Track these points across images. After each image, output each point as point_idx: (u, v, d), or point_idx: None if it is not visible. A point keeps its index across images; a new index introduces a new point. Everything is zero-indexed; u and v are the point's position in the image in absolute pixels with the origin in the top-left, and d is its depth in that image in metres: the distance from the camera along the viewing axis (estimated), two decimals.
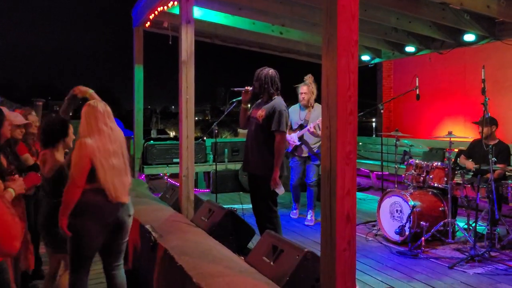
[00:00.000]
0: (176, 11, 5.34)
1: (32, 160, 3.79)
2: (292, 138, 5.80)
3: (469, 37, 6.36)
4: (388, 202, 5.03)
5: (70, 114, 3.58)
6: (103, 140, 2.88)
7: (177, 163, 6.74)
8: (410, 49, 7.42)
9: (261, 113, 4.06)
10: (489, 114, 4.48)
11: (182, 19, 4.67)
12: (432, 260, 4.32)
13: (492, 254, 4.32)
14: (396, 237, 4.77)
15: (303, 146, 5.81)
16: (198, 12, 5.94)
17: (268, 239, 3.25)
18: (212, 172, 7.88)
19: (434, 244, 4.74)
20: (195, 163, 5.16)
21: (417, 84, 5.65)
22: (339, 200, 2.19)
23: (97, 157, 2.82)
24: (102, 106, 2.99)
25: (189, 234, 3.68)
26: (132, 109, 7.52)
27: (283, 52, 8.61)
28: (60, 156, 3.21)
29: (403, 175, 5.36)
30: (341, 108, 2.18)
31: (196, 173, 8.04)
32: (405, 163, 5.41)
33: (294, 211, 6.17)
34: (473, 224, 4.53)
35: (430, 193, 5.02)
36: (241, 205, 6.26)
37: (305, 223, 5.76)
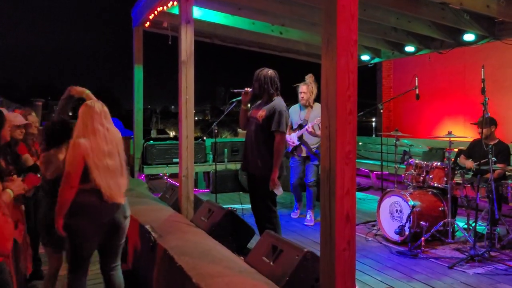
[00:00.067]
0: (176, 11, 5.34)
1: (32, 161, 3.79)
2: (292, 138, 5.80)
3: (468, 37, 6.37)
4: (388, 202, 5.03)
5: (70, 114, 3.58)
6: (98, 140, 2.87)
7: (176, 163, 6.74)
8: (409, 48, 7.43)
9: (261, 113, 4.06)
10: (489, 114, 4.48)
11: (181, 19, 4.67)
12: (432, 260, 4.32)
13: (492, 254, 4.32)
14: (396, 237, 4.76)
15: (302, 146, 5.81)
16: (197, 12, 5.94)
17: (267, 239, 3.25)
18: (212, 172, 7.87)
19: (434, 244, 4.74)
20: (194, 163, 5.16)
21: (416, 84, 5.65)
22: (339, 200, 2.19)
23: (90, 157, 2.81)
24: (99, 106, 2.98)
25: (189, 234, 3.68)
26: (132, 109, 7.53)
27: (282, 52, 8.61)
28: (63, 157, 3.21)
29: (403, 175, 5.36)
30: (341, 108, 2.18)
31: (196, 173, 8.04)
32: (405, 163, 5.41)
33: (295, 211, 6.17)
34: (473, 224, 4.53)
35: (430, 193, 5.02)
36: (240, 205, 6.25)
37: (305, 223, 5.76)
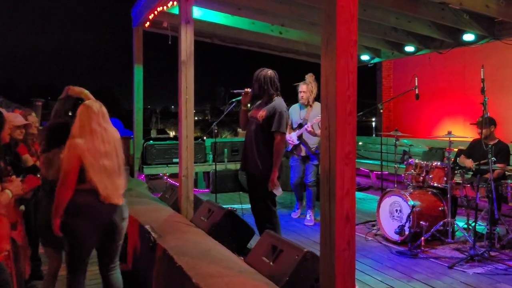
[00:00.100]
0: (176, 11, 5.34)
1: (32, 161, 3.79)
2: (291, 137, 5.80)
3: (468, 37, 6.37)
4: (387, 201, 5.03)
5: (70, 114, 3.57)
6: (95, 140, 2.85)
7: (176, 163, 6.74)
8: (409, 48, 7.43)
9: (261, 113, 4.06)
10: (488, 113, 4.48)
11: (181, 19, 4.67)
12: (432, 260, 4.32)
13: (492, 253, 4.32)
14: (396, 237, 4.77)
15: (302, 145, 5.81)
16: (197, 12, 5.94)
17: (267, 239, 3.25)
18: (212, 172, 7.87)
19: (433, 244, 4.74)
20: (194, 163, 5.15)
21: (416, 84, 5.65)
22: (339, 200, 2.19)
23: (87, 157, 2.80)
24: (97, 106, 2.97)
25: (189, 234, 3.68)
26: (131, 109, 7.53)
27: (282, 52, 8.61)
28: None
29: (402, 175, 5.36)
30: (340, 108, 2.18)
31: (196, 173, 8.04)
32: (405, 162, 5.41)
33: (296, 211, 6.15)
34: (473, 224, 4.53)
35: (429, 192, 5.02)
36: (240, 205, 6.25)
37: (305, 223, 5.76)
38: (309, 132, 5.67)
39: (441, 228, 4.76)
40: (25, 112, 4.10)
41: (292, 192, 6.59)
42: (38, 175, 3.25)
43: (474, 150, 5.12)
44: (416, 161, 5.24)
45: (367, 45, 7.84)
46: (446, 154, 4.91)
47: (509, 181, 4.53)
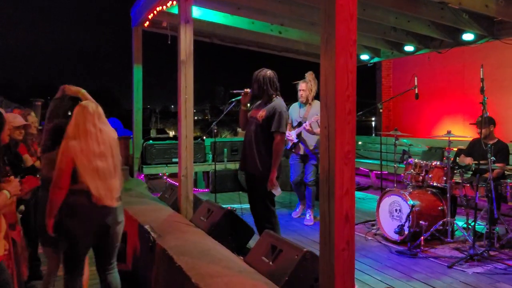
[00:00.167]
0: (175, 10, 5.34)
1: (31, 161, 3.79)
2: (291, 134, 5.80)
3: (467, 36, 6.38)
4: (387, 201, 5.03)
5: (69, 114, 3.56)
6: (89, 141, 2.84)
7: (176, 162, 6.73)
8: (409, 48, 7.43)
9: (261, 113, 4.07)
10: (488, 113, 4.48)
11: (181, 19, 4.67)
12: (431, 259, 4.32)
13: (491, 253, 4.32)
14: (395, 237, 4.77)
15: (300, 144, 5.81)
16: (197, 12, 5.94)
17: (267, 239, 3.25)
18: (212, 171, 7.87)
19: (433, 243, 4.74)
20: (194, 162, 5.16)
21: (416, 83, 5.65)
22: (338, 200, 2.19)
23: (79, 158, 2.79)
24: (93, 107, 2.96)
25: (188, 234, 3.68)
26: (131, 108, 7.53)
27: (282, 52, 8.61)
28: None
29: (402, 175, 5.36)
30: (340, 107, 2.18)
31: (195, 173, 8.03)
32: (404, 162, 5.41)
33: (297, 210, 6.13)
34: (472, 223, 4.53)
35: (429, 192, 5.02)
36: (240, 205, 6.25)
37: (304, 222, 5.75)
38: (307, 130, 5.67)
39: (441, 227, 4.77)
40: (24, 112, 4.10)
41: (291, 191, 6.59)
42: (38, 176, 3.24)
43: (473, 149, 5.13)
44: (416, 160, 5.24)
45: (366, 45, 7.84)
46: (446, 153, 4.91)
47: (509, 180, 4.53)
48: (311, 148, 5.73)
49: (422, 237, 4.54)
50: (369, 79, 10.66)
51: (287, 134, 5.63)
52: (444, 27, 6.29)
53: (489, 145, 4.39)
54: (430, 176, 4.97)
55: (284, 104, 4.10)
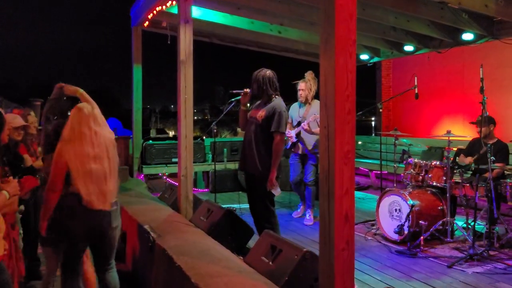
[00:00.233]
0: (175, 10, 5.33)
1: (31, 161, 3.79)
2: (290, 133, 5.80)
3: (467, 36, 6.38)
4: (387, 201, 5.03)
5: (68, 114, 3.56)
6: (83, 144, 2.82)
7: (176, 162, 6.73)
8: (408, 48, 7.44)
9: (261, 113, 4.07)
10: (488, 113, 4.48)
11: (180, 19, 4.67)
12: (431, 259, 4.32)
13: (491, 253, 4.32)
14: (395, 236, 4.76)
15: (299, 144, 5.81)
16: (196, 12, 5.94)
17: (266, 238, 3.25)
18: (211, 171, 7.87)
19: (433, 243, 4.74)
20: (194, 162, 5.15)
21: (415, 83, 5.65)
22: (338, 200, 2.19)
23: (73, 162, 2.78)
24: (89, 109, 2.94)
25: (188, 234, 3.68)
26: (131, 108, 7.52)
27: (281, 51, 8.60)
28: None
29: (402, 174, 5.36)
30: (339, 107, 2.18)
31: (195, 173, 8.03)
32: (404, 162, 5.41)
33: (298, 210, 6.10)
34: (472, 223, 4.53)
35: (429, 192, 5.02)
36: (238, 205, 6.26)
37: (304, 222, 5.75)
38: (306, 130, 5.66)
39: (441, 227, 4.76)
40: (24, 111, 4.10)
41: (291, 191, 6.58)
42: (37, 176, 3.24)
43: (473, 149, 5.13)
44: (416, 160, 5.24)
45: (366, 45, 7.84)
46: (446, 153, 4.91)
47: (508, 180, 4.53)
48: (310, 148, 5.72)
49: (421, 237, 4.54)
50: (369, 79, 10.66)
51: (287, 132, 5.63)
52: (443, 27, 6.29)
53: (488, 145, 4.39)
54: (429, 176, 4.97)
55: (284, 104, 4.10)
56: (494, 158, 4.34)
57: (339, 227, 2.20)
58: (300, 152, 5.81)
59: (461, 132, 6.25)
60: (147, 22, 6.52)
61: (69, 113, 3.26)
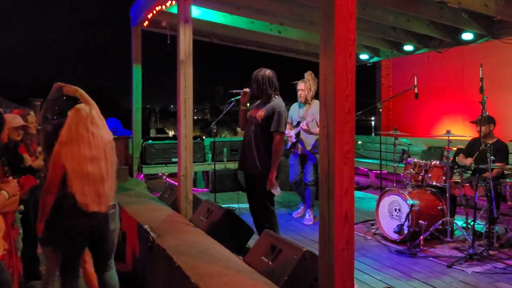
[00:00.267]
0: (174, 10, 5.33)
1: (30, 161, 3.79)
2: (290, 133, 5.80)
3: (467, 36, 6.38)
4: (386, 201, 5.03)
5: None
6: (80, 145, 2.81)
7: (175, 162, 6.74)
8: (408, 47, 7.43)
9: (260, 113, 4.06)
10: (487, 112, 4.48)
11: (180, 19, 4.67)
12: (431, 259, 4.32)
13: (491, 252, 4.32)
14: (395, 236, 4.77)
15: (299, 144, 5.81)
16: (196, 11, 5.94)
17: (266, 238, 3.25)
18: (211, 171, 7.87)
19: (432, 243, 4.74)
20: (193, 162, 5.15)
21: (415, 83, 5.65)
22: (337, 199, 2.19)
23: (69, 164, 2.77)
24: (86, 110, 2.92)
25: (188, 234, 3.68)
26: (131, 108, 7.52)
27: (281, 51, 8.60)
28: None
29: (401, 174, 5.36)
30: (339, 107, 2.18)
31: (195, 173, 8.03)
32: (404, 162, 5.41)
33: (299, 211, 6.10)
34: (472, 223, 4.53)
35: (428, 191, 5.02)
36: (238, 205, 6.26)
37: (304, 222, 5.75)
38: (305, 130, 5.66)
39: (440, 227, 4.77)
40: (24, 111, 4.10)
41: (291, 191, 6.59)
42: (37, 176, 3.24)
43: (473, 149, 5.12)
44: (415, 160, 5.24)
45: (366, 44, 7.84)
46: (445, 153, 4.92)
47: (508, 180, 4.53)
48: (310, 148, 5.72)
49: (421, 237, 4.54)
50: (369, 79, 10.67)
51: (287, 132, 5.63)
52: (443, 27, 6.29)
53: (488, 145, 4.39)
54: (429, 175, 4.97)
55: (283, 103, 4.09)
56: (493, 158, 4.34)
57: (338, 227, 2.20)
58: (299, 152, 5.81)
59: (460, 132, 6.25)
60: (146, 22, 6.52)
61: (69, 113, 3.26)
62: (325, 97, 2.24)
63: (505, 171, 4.90)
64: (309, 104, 5.80)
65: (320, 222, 2.31)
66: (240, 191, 7.80)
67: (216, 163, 7.13)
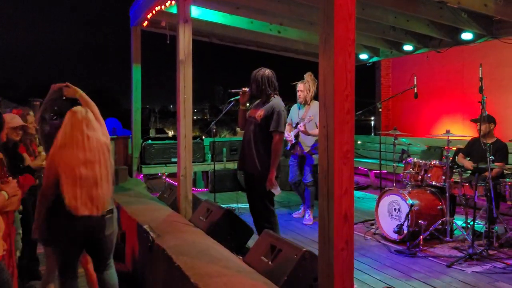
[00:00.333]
0: (174, 10, 5.33)
1: (30, 160, 3.79)
2: (290, 135, 5.80)
3: (466, 36, 6.38)
4: (386, 200, 5.03)
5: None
6: (74, 148, 2.79)
7: (175, 162, 6.73)
8: (408, 47, 7.44)
9: (260, 113, 4.06)
10: (487, 112, 4.48)
11: (179, 19, 4.67)
12: (430, 258, 4.32)
13: (490, 252, 4.32)
14: (395, 236, 4.77)
15: (298, 145, 5.80)
16: (195, 11, 5.94)
17: (266, 238, 3.25)
18: (211, 171, 7.87)
19: (432, 242, 4.74)
20: (193, 162, 5.15)
21: (415, 83, 5.65)
22: (337, 199, 2.19)
23: (62, 168, 2.75)
24: (83, 113, 2.90)
25: (187, 234, 3.68)
26: (130, 108, 7.52)
27: (280, 51, 8.60)
28: None
29: (401, 174, 5.36)
30: (338, 107, 2.18)
31: (195, 173, 8.03)
32: (404, 161, 5.41)
33: (299, 211, 6.10)
34: (471, 223, 4.53)
35: (428, 191, 5.02)
36: (237, 205, 6.26)
37: (304, 222, 5.75)
38: (303, 131, 5.66)
39: (440, 227, 4.77)
40: (23, 111, 4.10)
41: (291, 191, 6.59)
42: (36, 176, 3.24)
43: (472, 148, 5.13)
44: (415, 160, 5.24)
45: (365, 44, 7.84)
46: (445, 153, 4.92)
47: (508, 179, 4.54)
48: (308, 149, 5.71)
49: (421, 237, 4.55)
50: (368, 79, 10.67)
51: (286, 135, 5.63)
52: (443, 27, 6.29)
53: (488, 144, 4.39)
54: (429, 175, 4.97)
55: (283, 103, 4.09)
56: (493, 158, 4.34)
57: (338, 226, 2.20)
58: (299, 153, 5.81)
59: (460, 131, 6.26)
60: (146, 22, 6.52)
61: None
62: (324, 97, 2.24)
63: (504, 171, 4.90)
64: (308, 105, 5.79)
65: (319, 222, 2.31)
66: (239, 191, 7.80)
67: (215, 163, 7.14)
